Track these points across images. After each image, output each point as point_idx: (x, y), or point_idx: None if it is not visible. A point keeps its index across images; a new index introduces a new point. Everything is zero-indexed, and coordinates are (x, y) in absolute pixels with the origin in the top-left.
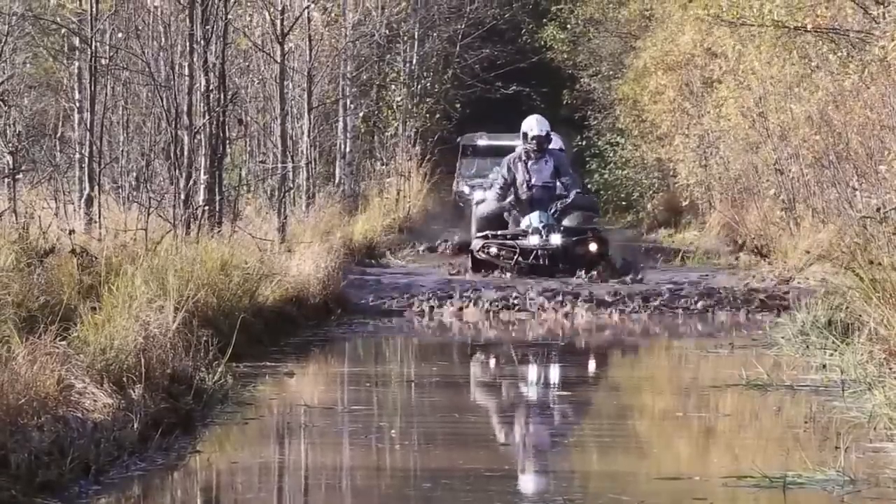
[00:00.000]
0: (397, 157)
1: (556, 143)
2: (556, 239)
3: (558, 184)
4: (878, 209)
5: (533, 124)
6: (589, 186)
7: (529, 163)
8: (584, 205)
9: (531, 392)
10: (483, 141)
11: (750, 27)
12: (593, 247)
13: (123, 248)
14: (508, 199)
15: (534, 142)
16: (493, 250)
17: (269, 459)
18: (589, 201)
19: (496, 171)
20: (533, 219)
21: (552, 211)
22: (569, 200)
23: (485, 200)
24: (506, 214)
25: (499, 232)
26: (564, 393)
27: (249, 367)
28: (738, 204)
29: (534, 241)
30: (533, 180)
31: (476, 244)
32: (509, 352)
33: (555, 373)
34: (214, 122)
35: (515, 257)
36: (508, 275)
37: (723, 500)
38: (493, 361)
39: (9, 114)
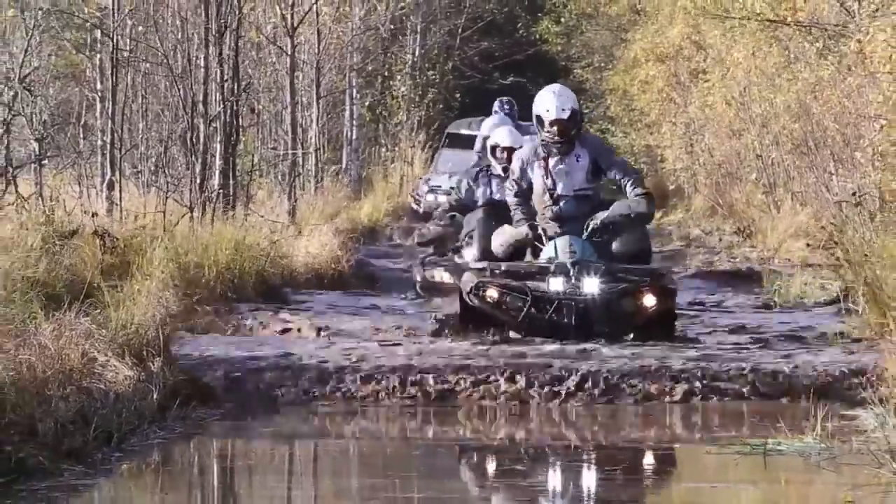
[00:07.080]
0: (401, 144)
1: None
2: (591, 285)
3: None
4: (854, 193)
5: (549, 102)
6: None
7: (551, 161)
8: (634, 219)
9: None
10: (466, 130)
11: (734, 20)
12: (650, 300)
13: (143, 230)
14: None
15: (553, 128)
16: (493, 294)
17: (283, 428)
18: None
19: (465, 174)
20: (559, 247)
21: (587, 233)
22: (605, 216)
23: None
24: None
25: (503, 265)
26: None
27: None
28: (721, 188)
29: (556, 285)
30: (559, 189)
31: (467, 282)
32: None
33: None
34: (228, 111)
35: (525, 308)
36: (511, 334)
37: (708, 466)
38: None
39: (35, 103)
